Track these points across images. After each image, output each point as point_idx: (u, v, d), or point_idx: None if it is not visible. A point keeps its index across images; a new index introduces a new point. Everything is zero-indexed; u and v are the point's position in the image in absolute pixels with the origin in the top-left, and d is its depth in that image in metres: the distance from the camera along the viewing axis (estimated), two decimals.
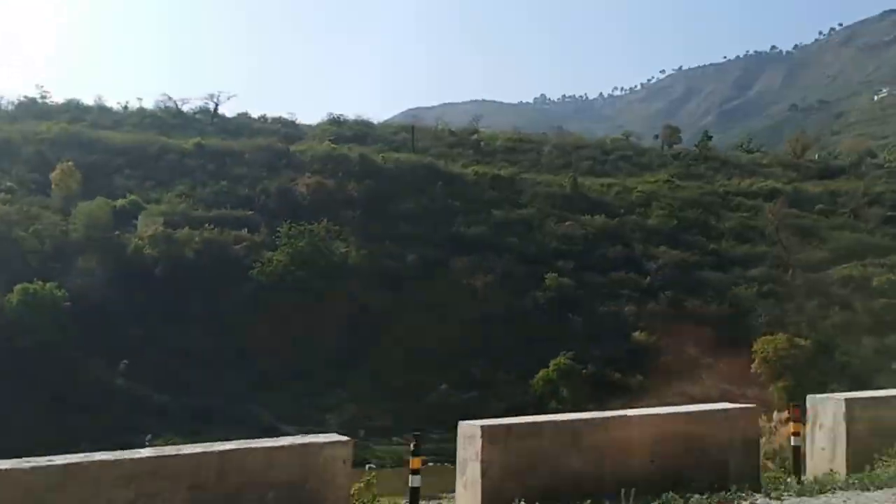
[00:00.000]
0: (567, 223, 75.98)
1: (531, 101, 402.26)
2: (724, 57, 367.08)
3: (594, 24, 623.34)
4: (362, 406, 53.88)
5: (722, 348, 65.40)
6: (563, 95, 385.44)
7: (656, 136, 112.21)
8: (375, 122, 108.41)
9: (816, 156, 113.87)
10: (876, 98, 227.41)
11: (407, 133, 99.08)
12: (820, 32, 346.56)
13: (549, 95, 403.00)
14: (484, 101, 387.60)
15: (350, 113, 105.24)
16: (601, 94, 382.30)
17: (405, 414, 54.18)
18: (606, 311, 67.41)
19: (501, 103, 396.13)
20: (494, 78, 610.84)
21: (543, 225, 76.05)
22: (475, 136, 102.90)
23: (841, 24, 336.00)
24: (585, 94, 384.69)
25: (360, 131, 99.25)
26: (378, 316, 61.59)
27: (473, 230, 72.66)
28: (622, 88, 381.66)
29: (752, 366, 60.76)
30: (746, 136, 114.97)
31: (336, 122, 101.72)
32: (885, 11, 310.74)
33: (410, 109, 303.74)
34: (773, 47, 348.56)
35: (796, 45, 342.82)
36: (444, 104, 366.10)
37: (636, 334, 65.28)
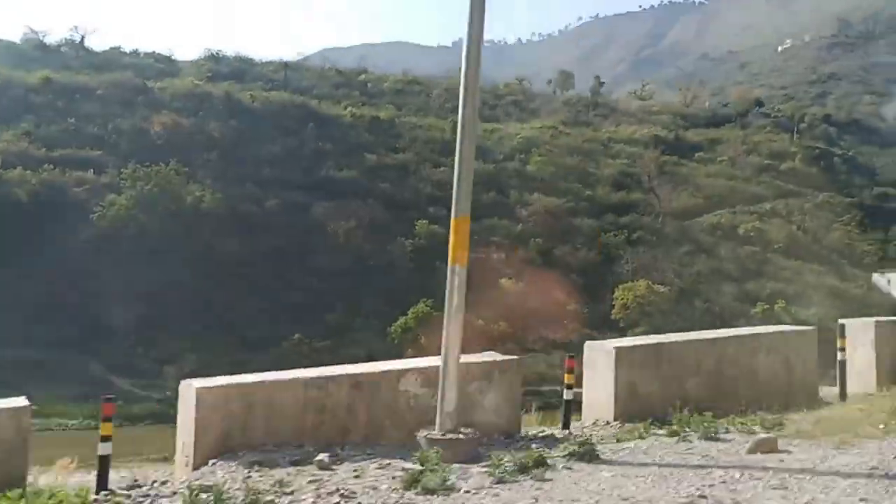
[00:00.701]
0: (442, 169, 74.00)
1: (450, 44, 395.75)
2: (640, 6, 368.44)
3: None
4: (205, 357, 51.35)
5: (588, 295, 65.54)
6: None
7: (549, 82, 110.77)
8: (286, 60, 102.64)
9: (707, 104, 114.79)
10: (779, 49, 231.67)
11: (290, 72, 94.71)
12: None
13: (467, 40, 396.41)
14: (403, 43, 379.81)
15: (253, 52, 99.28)
16: (519, 39, 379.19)
17: (251, 365, 52.07)
18: (476, 257, 66.10)
19: (420, 46, 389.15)
20: (415, 20, 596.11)
21: (419, 170, 73.97)
22: (363, 78, 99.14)
23: None
24: (504, 39, 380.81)
25: (239, 69, 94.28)
26: (231, 263, 58.73)
27: (344, 174, 70.01)
28: (540, 34, 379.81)
29: (613, 312, 61.04)
30: (642, 84, 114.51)
31: (214, 58, 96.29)
32: None
33: (326, 50, 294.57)
34: None
35: None
36: (363, 45, 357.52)
37: (503, 281, 64.53)
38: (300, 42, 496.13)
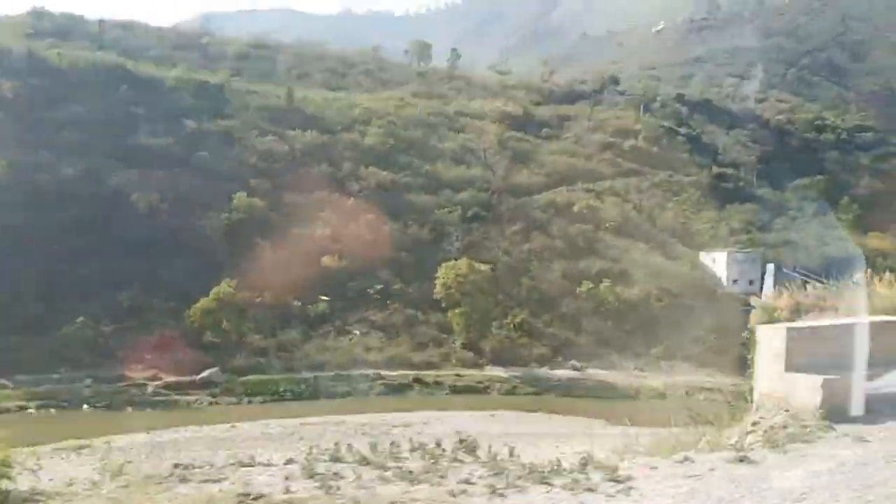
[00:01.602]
0: (271, 137, 69.86)
1: (335, 13, 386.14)
2: None
3: None
4: None
5: (415, 273, 63.32)
6: (369, 10, 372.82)
7: (406, 51, 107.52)
8: (150, 25, 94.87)
9: (566, 80, 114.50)
10: (654, 30, 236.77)
11: (123, 31, 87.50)
12: None
13: (354, 9, 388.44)
14: (288, 10, 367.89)
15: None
16: (407, 11, 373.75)
17: (26, 351, 47.07)
18: (301, 233, 62.76)
19: (306, 14, 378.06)
20: None
21: (245, 139, 69.44)
22: (204, 41, 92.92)
23: None
24: (392, 10, 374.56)
25: (65, 26, 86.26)
26: (13, 237, 52.83)
27: (157, 141, 64.68)
28: (428, 7, 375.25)
29: (435, 291, 59.05)
30: (501, 57, 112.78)
31: (38, 15, 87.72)
32: None
33: (205, 14, 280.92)
34: None
35: None
36: (245, 11, 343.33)
37: (326, 258, 61.40)
38: (183, 6, 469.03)
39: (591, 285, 62.88)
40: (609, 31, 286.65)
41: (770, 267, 64.78)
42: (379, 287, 60.69)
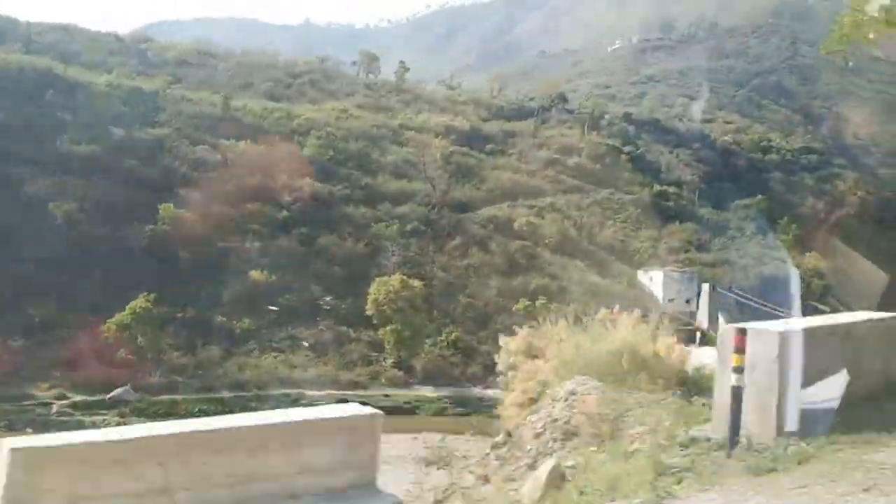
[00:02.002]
0: (203, 147, 67.93)
1: (295, 25, 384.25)
2: None
3: None
4: None
5: (349, 288, 61.78)
6: (330, 23, 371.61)
7: (354, 63, 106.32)
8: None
9: (517, 97, 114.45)
10: (609, 49, 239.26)
11: (61, 34, 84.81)
12: None
13: (314, 21, 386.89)
14: (245, 19, 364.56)
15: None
16: (368, 24, 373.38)
17: None
18: (227, 246, 60.82)
19: (265, 24, 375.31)
20: None
21: (176, 148, 67.34)
22: (144, 46, 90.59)
23: None
24: (353, 23, 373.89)
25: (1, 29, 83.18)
26: None
27: (81, 149, 62.27)
28: (389, 21, 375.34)
29: (366, 308, 57.56)
30: (452, 72, 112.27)
31: None
32: None
33: (161, 23, 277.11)
34: None
35: None
36: (200, 19, 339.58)
37: (255, 273, 59.55)
38: (140, 14, 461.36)
39: (527, 302, 62.01)
40: (566, 49, 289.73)
41: (705, 287, 64.67)
42: (309, 303, 59.07)
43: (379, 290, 56.41)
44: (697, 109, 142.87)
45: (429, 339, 57.88)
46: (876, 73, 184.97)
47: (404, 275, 60.61)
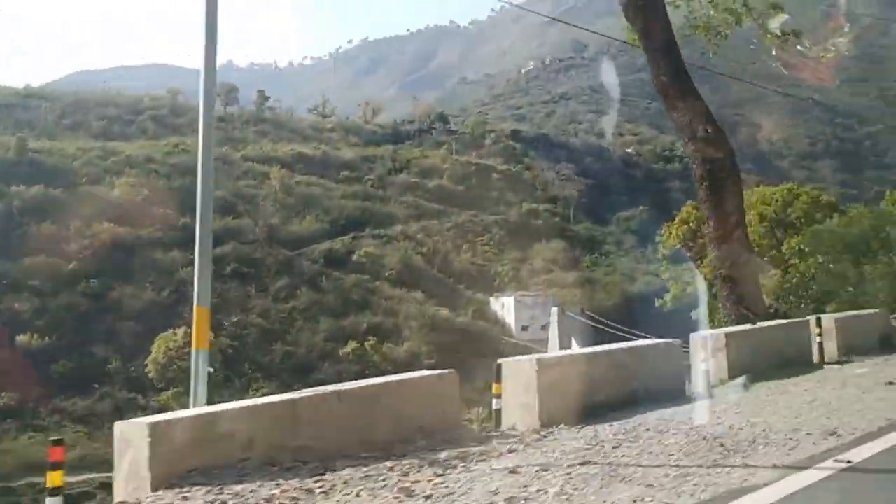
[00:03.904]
0: None
1: (217, 67, 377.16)
2: (408, 30, 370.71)
3: None
4: None
5: (143, 346, 53.10)
6: (252, 63, 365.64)
7: (218, 95, 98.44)
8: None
9: (396, 120, 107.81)
10: (523, 71, 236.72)
11: None
12: (492, 9, 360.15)
13: (236, 62, 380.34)
14: (165, 65, 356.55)
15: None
16: (291, 62, 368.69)
17: None
18: None
19: (183, 69, 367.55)
20: (178, 42, 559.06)
21: None
22: None
23: (510, 3, 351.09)
24: (275, 62, 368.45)
25: None
26: None
27: None
28: (312, 57, 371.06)
29: (147, 370, 49.07)
30: (322, 99, 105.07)
31: None
32: None
33: (80, 72, 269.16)
34: (452, 21, 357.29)
35: (472, 21, 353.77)
36: (119, 67, 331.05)
37: (23, 337, 50.60)
38: (55, 65, 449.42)
39: (356, 345, 54.27)
40: (486, 74, 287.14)
41: (554, 311, 57.41)
42: (89, 367, 50.31)
43: (160, 348, 48.00)
44: (608, 123, 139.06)
45: (231, 400, 49.35)
46: (788, 80, 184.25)
47: (210, 326, 52.50)
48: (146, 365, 48.13)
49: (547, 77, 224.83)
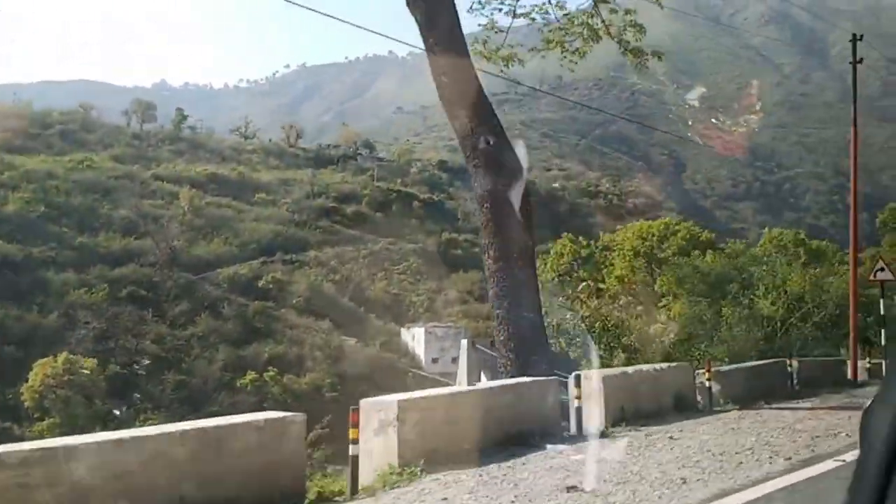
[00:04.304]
0: None
1: (149, 86, 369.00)
2: (346, 58, 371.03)
3: (214, 16, 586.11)
4: None
5: (20, 373, 49.46)
6: (186, 83, 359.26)
7: (125, 112, 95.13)
8: None
9: (321, 144, 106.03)
10: None
11: None
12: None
13: (170, 82, 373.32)
14: (93, 81, 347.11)
15: None
16: (226, 84, 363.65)
17: None
18: None
19: (113, 86, 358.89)
20: (110, 58, 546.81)
21: None
22: None
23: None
24: (210, 83, 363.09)
25: None
26: None
27: None
28: (248, 81, 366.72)
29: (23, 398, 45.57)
30: (246, 121, 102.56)
31: None
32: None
33: (8, 84, 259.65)
34: (391, 52, 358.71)
35: (410, 52, 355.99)
36: (44, 82, 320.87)
37: None
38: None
39: (254, 375, 51.72)
40: (422, 105, 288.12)
41: (464, 343, 55.98)
42: None
43: (38, 374, 44.60)
44: (540, 157, 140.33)
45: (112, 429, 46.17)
46: (714, 120, 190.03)
47: (98, 352, 49.52)
48: (22, 393, 44.54)
49: None
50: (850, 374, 18.35)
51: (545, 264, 65.94)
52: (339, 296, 62.47)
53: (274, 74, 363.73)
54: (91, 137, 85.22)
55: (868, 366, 20.78)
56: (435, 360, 57.29)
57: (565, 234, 50.04)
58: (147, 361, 51.18)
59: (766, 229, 29.69)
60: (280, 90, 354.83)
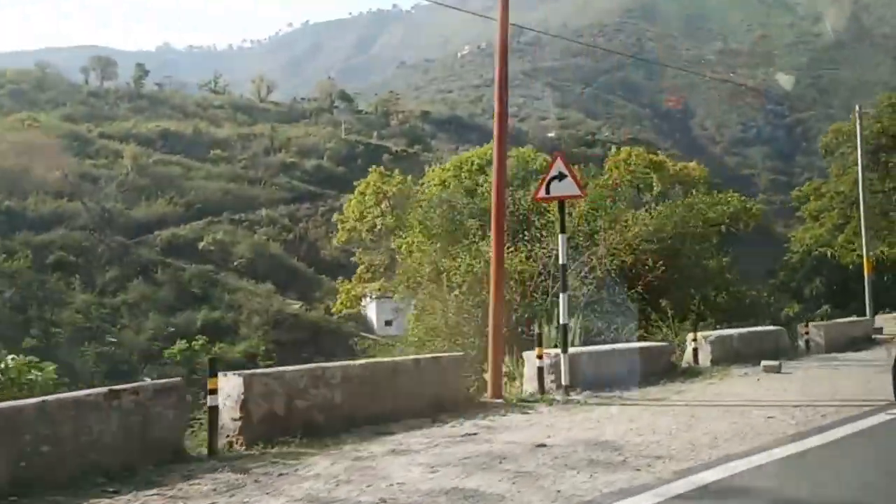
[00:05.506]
0: None
1: (153, 49, 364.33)
2: (350, 13, 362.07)
3: None
4: None
5: None
6: (190, 46, 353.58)
7: (83, 69, 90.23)
8: None
9: (295, 98, 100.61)
10: (459, 55, 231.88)
11: None
12: None
13: (173, 45, 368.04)
14: (96, 46, 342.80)
15: None
16: (230, 45, 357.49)
17: None
18: None
19: (117, 50, 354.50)
20: (113, 22, 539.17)
21: None
22: None
23: None
24: (214, 45, 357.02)
25: None
26: None
27: None
28: (251, 41, 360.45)
29: None
30: (260, 78, 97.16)
31: None
32: None
33: (5, 53, 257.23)
34: (395, 6, 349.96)
35: (415, 5, 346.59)
36: (47, 48, 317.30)
37: None
38: None
39: (184, 346, 47.47)
40: (425, 59, 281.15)
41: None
42: None
43: None
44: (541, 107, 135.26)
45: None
46: (725, 66, 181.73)
47: (15, 323, 45.54)
48: None
49: (481, 62, 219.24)
50: None
51: None
52: (287, 256, 57.79)
53: (277, 33, 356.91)
54: (43, 97, 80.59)
55: None
56: (388, 323, 52.53)
57: None
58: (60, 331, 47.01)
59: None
60: (283, 49, 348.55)
